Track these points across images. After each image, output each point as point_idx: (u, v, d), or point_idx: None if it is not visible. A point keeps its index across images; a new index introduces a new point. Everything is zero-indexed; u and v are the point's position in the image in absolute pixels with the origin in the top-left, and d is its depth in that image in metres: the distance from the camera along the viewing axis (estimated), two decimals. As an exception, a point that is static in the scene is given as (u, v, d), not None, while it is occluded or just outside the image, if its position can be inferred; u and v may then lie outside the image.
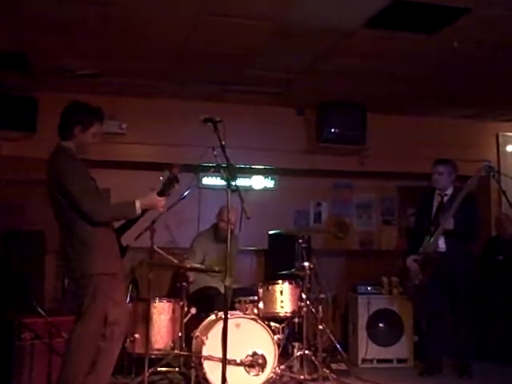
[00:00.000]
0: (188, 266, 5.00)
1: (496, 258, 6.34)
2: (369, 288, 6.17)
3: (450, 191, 5.46)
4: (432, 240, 5.23)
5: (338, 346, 5.46)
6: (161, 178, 4.03)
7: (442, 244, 5.30)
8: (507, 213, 6.72)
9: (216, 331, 4.44)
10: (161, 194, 3.94)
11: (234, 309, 4.97)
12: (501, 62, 5.39)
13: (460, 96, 6.57)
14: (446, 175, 5.43)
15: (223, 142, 3.79)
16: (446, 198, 5.45)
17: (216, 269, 5.04)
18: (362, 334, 6.00)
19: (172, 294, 5.42)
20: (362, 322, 6.03)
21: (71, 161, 3.71)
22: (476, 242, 5.75)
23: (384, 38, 4.87)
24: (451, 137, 7.36)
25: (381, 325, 6.05)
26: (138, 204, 3.79)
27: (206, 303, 5.08)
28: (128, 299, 4.73)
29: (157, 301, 4.83)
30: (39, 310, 4.42)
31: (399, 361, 5.96)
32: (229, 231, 3.77)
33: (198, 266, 5.20)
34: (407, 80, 6.01)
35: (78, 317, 3.65)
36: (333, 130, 6.88)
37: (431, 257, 5.25)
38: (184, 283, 4.85)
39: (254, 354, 4.63)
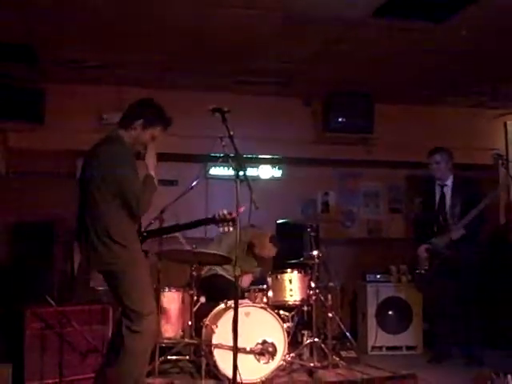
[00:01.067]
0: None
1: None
2: (378, 276, 6.20)
3: (449, 181, 5.43)
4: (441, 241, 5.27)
5: (348, 333, 5.48)
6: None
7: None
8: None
9: (226, 320, 4.46)
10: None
11: (244, 297, 4.98)
12: (506, 52, 5.37)
13: (469, 85, 6.53)
14: (444, 164, 5.41)
15: (231, 132, 3.78)
16: (446, 189, 5.43)
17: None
18: (372, 321, 6.04)
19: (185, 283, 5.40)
20: (371, 310, 6.06)
21: (128, 153, 3.64)
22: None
23: (391, 26, 4.85)
24: (459, 125, 7.34)
25: (390, 313, 6.08)
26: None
27: (216, 291, 5.08)
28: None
29: (166, 290, 4.85)
30: (49, 299, 4.43)
31: (408, 348, 6.00)
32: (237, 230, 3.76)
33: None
34: (415, 69, 5.98)
35: (128, 315, 3.55)
36: (340, 120, 6.87)
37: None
38: (194, 272, 4.86)
39: (264, 342, 4.65)
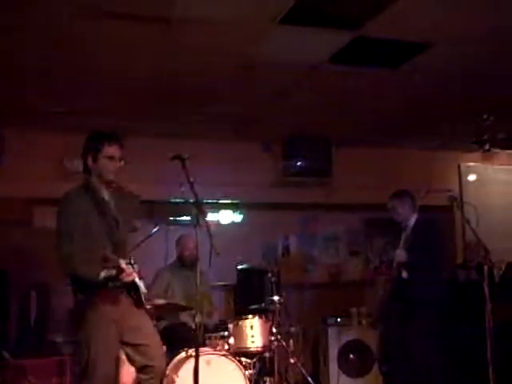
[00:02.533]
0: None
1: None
2: (338, 319, 6.21)
3: (411, 222, 5.49)
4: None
5: (310, 379, 5.44)
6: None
7: (404, 274, 5.27)
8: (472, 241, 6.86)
9: (187, 369, 4.38)
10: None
11: (205, 345, 4.92)
12: (459, 95, 5.57)
13: (423, 128, 6.72)
14: (401, 208, 5.47)
15: (191, 179, 3.81)
16: (407, 230, 5.48)
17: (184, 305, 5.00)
18: (333, 365, 6.03)
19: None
20: (333, 353, 6.07)
21: (65, 202, 3.62)
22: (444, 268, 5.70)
23: (348, 72, 4.98)
24: (415, 168, 7.52)
25: (351, 356, 6.09)
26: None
27: (176, 340, 5.02)
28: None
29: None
30: (4, 353, 4.30)
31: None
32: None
33: (166, 302, 5.11)
34: (372, 113, 6.12)
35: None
36: (299, 164, 6.96)
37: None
38: (154, 321, 4.78)
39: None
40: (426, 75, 4.98)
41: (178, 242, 5.81)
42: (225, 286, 6.94)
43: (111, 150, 3.73)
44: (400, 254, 5.19)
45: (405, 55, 4.66)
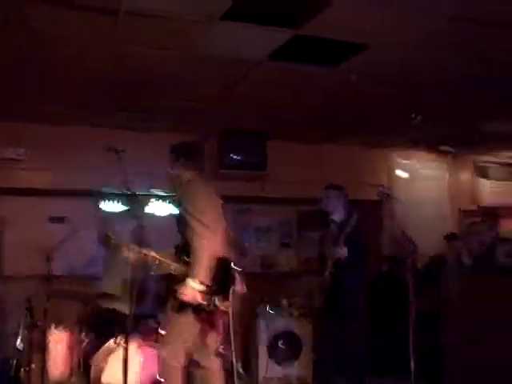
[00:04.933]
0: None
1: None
2: (269, 310, 6.34)
3: (337, 216, 5.70)
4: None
5: (240, 367, 5.54)
6: None
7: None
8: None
9: (116, 357, 4.40)
10: None
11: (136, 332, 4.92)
12: (392, 95, 5.75)
13: (356, 125, 6.89)
14: (333, 199, 5.67)
15: (126, 171, 3.83)
16: (332, 225, 5.64)
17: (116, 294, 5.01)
18: (263, 354, 6.15)
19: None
20: (263, 342, 6.18)
21: None
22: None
23: (287, 69, 5.06)
24: (348, 163, 7.71)
25: (281, 345, 6.22)
26: None
27: (105, 327, 5.01)
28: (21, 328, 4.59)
29: (52, 329, 4.73)
30: None
31: (299, 379, 6.15)
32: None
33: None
34: (308, 109, 6.23)
35: None
36: (234, 157, 7.02)
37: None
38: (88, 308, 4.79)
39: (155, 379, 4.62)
40: (361, 75, 5.12)
41: None
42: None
43: None
44: (342, 252, 5.33)
45: (342, 55, 4.76)
